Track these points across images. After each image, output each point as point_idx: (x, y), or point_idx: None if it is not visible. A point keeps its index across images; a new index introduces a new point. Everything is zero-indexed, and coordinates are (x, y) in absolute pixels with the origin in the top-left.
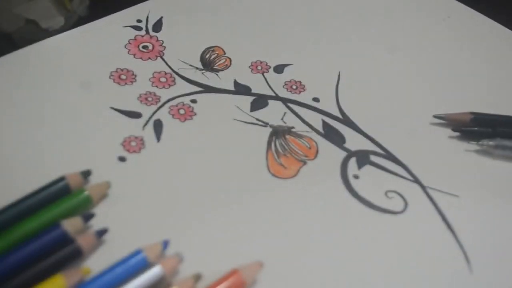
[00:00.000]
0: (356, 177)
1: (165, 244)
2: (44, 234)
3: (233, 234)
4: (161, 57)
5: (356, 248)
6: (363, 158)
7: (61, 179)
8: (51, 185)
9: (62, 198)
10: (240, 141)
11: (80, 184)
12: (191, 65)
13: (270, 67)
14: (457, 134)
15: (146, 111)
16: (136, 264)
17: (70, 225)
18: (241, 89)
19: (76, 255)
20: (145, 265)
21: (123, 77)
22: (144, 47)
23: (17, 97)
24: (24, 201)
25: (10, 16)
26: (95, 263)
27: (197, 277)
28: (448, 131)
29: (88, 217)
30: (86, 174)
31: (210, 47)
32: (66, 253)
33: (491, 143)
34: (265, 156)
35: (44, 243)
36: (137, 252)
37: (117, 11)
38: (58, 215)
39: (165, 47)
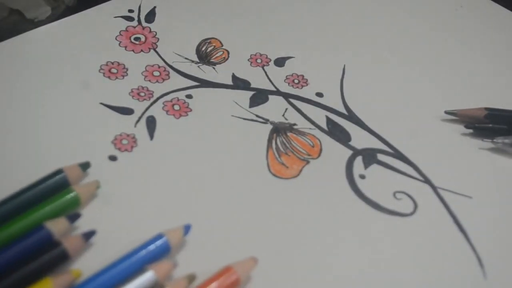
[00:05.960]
0: (362, 177)
1: (187, 228)
2: (28, 236)
3: (231, 237)
4: (154, 50)
5: (362, 252)
6: (369, 157)
7: (59, 171)
8: (48, 178)
9: (49, 199)
10: (238, 139)
11: (79, 177)
12: (186, 58)
13: (270, 60)
14: (470, 131)
15: (139, 107)
16: (157, 249)
17: (55, 226)
18: (239, 83)
19: (62, 259)
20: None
21: (114, 70)
22: (136, 38)
23: None
24: (21, 194)
25: None
26: (83, 267)
27: (191, 278)
28: (461, 128)
29: (74, 217)
30: (85, 166)
31: (207, 39)
32: (52, 257)
33: (506, 141)
34: (266, 155)
35: (28, 246)
36: (159, 236)
37: (107, 1)
38: (44, 216)
39: (158, 38)
